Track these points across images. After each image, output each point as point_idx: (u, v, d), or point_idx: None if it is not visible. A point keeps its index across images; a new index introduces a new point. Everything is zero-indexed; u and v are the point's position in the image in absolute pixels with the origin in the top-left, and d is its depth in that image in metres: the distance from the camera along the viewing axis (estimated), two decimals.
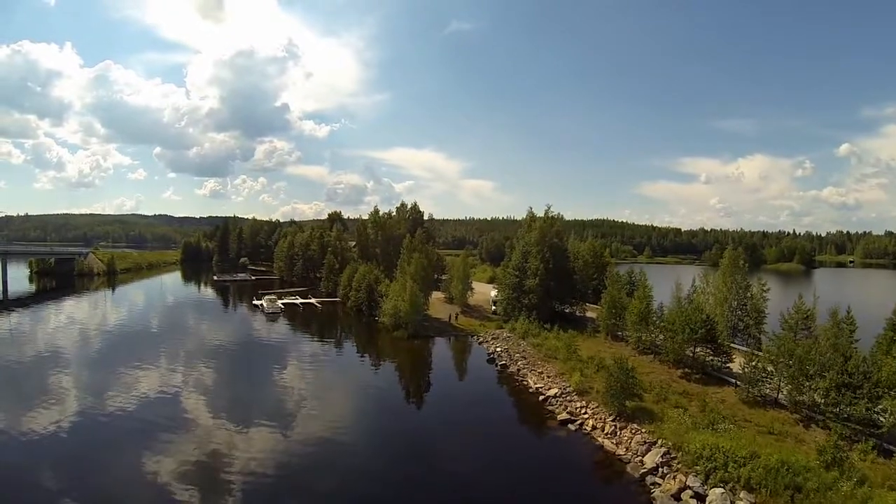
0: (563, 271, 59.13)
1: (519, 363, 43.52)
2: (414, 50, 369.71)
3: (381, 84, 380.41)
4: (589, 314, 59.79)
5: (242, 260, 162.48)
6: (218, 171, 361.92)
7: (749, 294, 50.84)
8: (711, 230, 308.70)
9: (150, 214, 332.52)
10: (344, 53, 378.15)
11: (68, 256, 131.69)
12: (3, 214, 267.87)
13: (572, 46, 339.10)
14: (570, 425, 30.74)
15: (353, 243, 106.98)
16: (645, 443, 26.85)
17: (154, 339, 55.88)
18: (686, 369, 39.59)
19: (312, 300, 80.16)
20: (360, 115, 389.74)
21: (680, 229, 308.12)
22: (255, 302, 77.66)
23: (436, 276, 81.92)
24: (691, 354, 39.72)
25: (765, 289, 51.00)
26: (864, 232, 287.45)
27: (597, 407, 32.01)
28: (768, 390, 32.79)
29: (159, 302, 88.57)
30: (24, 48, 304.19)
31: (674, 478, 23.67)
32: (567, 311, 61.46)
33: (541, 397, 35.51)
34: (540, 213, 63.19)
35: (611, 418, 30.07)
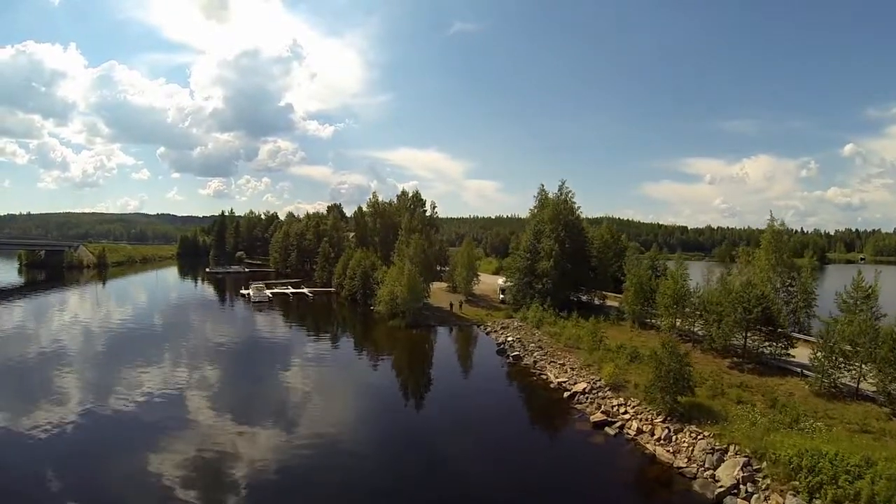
0: (579, 253, 52.60)
1: (535, 354, 37.10)
2: (417, 51, 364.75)
3: (384, 84, 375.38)
4: (609, 303, 53.30)
5: (239, 254, 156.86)
6: (222, 172, 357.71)
7: (795, 274, 44.46)
8: (718, 228, 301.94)
9: (152, 214, 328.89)
10: (348, 54, 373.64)
11: (58, 248, 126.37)
12: (5, 213, 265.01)
13: (576, 47, 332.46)
14: (607, 428, 24.23)
15: (352, 234, 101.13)
16: (713, 450, 20.42)
17: (134, 330, 49.20)
18: (735, 358, 33.41)
19: (304, 290, 74.19)
20: (363, 116, 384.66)
21: (686, 227, 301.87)
22: (243, 291, 71.84)
23: (438, 267, 75.97)
24: (743, 340, 33.37)
25: (812, 266, 44.81)
26: (874, 230, 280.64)
27: (638, 405, 25.56)
28: (847, 379, 26.49)
29: (145, 294, 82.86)
30: (29, 48, 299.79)
31: (766, 499, 17.28)
32: (584, 299, 54.94)
33: (565, 394, 29.04)
34: (552, 192, 56.43)
35: (660, 419, 23.64)
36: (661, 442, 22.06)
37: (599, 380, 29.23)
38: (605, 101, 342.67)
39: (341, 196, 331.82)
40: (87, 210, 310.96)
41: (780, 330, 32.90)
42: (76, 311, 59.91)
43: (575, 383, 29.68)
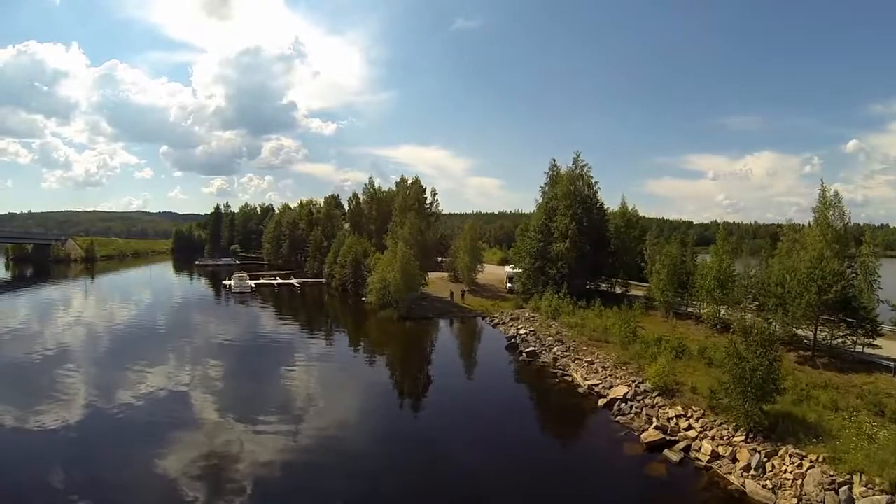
0: (598, 234, 45.91)
1: (554, 350, 30.50)
2: (419, 48, 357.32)
3: (386, 82, 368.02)
4: (632, 292, 46.46)
5: (233, 247, 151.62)
6: (224, 170, 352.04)
7: (856, 251, 37.59)
8: (724, 222, 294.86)
9: (154, 212, 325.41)
10: (350, 52, 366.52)
11: (45, 242, 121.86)
12: (6, 212, 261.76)
13: (578, 44, 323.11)
14: (667, 452, 17.56)
15: (347, 224, 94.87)
16: (833, 484, 13.95)
17: (96, 325, 42.63)
18: (801, 351, 26.93)
19: (292, 281, 68.14)
20: (366, 113, 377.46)
21: (692, 222, 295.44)
22: (225, 282, 65.72)
23: (440, 259, 69.81)
24: (813, 329, 26.83)
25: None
26: (881, 224, 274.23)
27: (703, 416, 19.01)
28: None
29: (123, 287, 76.91)
30: (31, 48, 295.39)
31: None
32: (604, 287, 48.13)
33: (600, 401, 22.47)
34: (565, 167, 49.39)
35: (740, 436, 17.09)
36: (752, 472, 15.46)
37: (642, 382, 22.62)
38: (607, 99, 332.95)
39: (344, 193, 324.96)
40: (89, 209, 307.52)
41: (863, 314, 26.18)
42: (46, 306, 53.89)
43: (611, 387, 23.04)
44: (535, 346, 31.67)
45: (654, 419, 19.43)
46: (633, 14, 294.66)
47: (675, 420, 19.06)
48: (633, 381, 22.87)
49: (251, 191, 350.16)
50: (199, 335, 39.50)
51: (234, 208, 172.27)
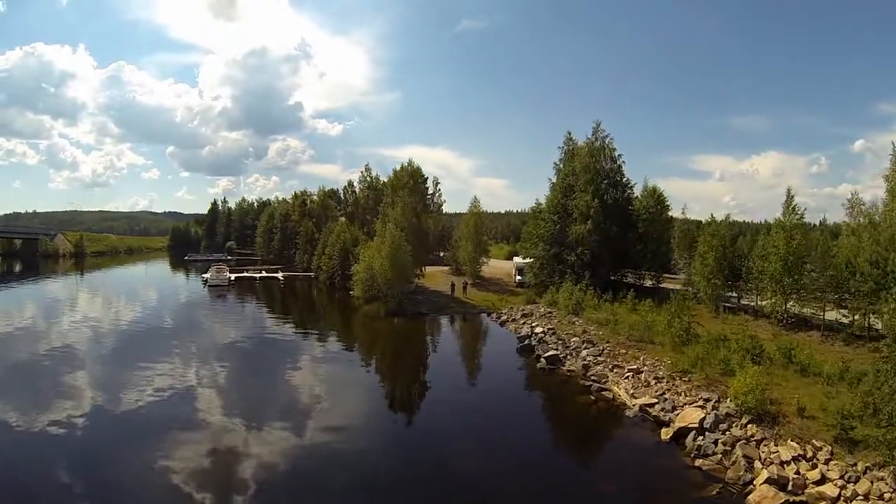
0: (624, 214, 39.08)
1: (584, 354, 23.51)
2: (425, 48, 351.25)
3: (392, 83, 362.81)
4: (665, 285, 39.50)
5: (229, 244, 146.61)
6: (231, 170, 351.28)
7: None
8: (734, 222, 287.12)
9: (159, 212, 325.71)
10: (356, 52, 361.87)
11: (33, 237, 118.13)
12: (10, 211, 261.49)
13: (584, 44, 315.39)
14: None
15: (343, 218, 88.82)
16: None
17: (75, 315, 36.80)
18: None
19: (278, 275, 62.05)
20: (372, 114, 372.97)
21: (701, 221, 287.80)
22: (204, 275, 59.81)
23: (441, 253, 63.42)
24: None
25: None
26: None
27: (832, 457, 12.19)
28: None
29: (98, 282, 71.01)
30: (38, 50, 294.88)
31: None
32: (630, 279, 41.11)
33: (663, 431, 15.48)
34: (582, 139, 42.22)
35: None
36: None
37: (720, 400, 15.76)
38: (614, 99, 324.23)
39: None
40: (95, 209, 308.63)
41: None
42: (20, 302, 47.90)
43: (675, 409, 16.11)
44: (556, 350, 24.69)
45: (759, 463, 12.53)
46: (639, 14, 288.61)
47: (792, 465, 12.14)
48: (707, 400, 15.93)
49: (257, 191, 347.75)
50: (150, 331, 32.95)
51: (224, 199, 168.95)
